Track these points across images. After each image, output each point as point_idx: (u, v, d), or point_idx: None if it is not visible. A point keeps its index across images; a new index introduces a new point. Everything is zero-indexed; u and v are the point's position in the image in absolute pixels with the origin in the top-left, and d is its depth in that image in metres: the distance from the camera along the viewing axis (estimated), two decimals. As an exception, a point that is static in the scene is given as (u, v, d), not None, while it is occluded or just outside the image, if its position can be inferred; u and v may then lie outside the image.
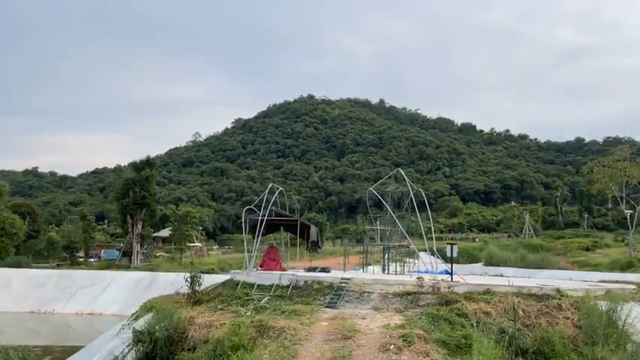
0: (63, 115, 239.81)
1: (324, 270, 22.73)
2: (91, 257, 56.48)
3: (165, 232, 70.73)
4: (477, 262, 51.07)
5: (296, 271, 22.18)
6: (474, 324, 13.97)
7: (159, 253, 64.59)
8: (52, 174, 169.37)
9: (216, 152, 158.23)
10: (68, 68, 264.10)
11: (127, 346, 15.60)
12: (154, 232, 65.72)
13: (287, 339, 13.16)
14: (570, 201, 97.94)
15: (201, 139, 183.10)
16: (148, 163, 53.74)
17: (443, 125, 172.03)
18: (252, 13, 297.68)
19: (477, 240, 71.44)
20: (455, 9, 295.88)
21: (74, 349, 21.86)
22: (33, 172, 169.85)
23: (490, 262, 46.63)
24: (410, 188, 24.44)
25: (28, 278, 45.71)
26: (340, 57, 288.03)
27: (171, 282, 45.05)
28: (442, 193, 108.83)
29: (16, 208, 56.55)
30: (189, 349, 15.09)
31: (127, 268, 50.69)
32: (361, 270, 28.17)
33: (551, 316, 15.20)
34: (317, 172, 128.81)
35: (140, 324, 17.81)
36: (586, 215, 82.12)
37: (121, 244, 62.06)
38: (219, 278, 33.37)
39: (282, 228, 26.07)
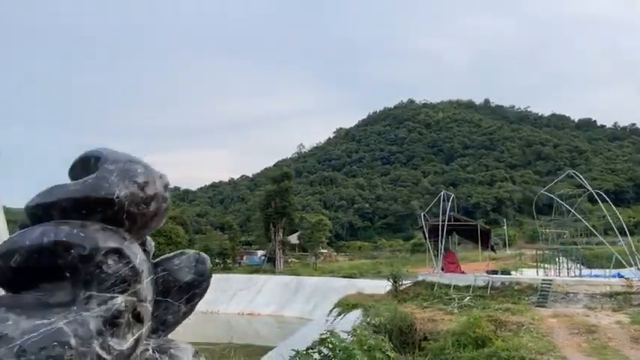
0: (176, 133, 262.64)
1: (505, 273, 23.57)
2: (236, 263, 62.13)
3: (293, 238, 75.39)
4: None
5: (478, 273, 23.29)
6: None
7: (290, 259, 68.97)
8: (176, 188, 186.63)
9: (322, 162, 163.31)
10: (176, 89, 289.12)
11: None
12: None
13: (531, 332, 14.41)
14: None
15: (306, 150, 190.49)
16: (286, 175, 58.08)
17: (558, 122, 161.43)
18: (341, 23, 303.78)
19: (619, 243, 66.55)
20: (552, 1, 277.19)
21: (265, 348, 24.60)
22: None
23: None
24: (579, 190, 24.43)
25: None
26: (434, 59, 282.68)
27: (315, 285, 48.33)
28: (570, 195, 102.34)
29: (172, 219, 64.16)
30: (421, 340, 16.92)
31: (273, 272, 55.10)
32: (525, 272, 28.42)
33: None
34: (425, 177, 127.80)
35: (351, 318, 20.10)
36: None
37: (258, 251, 67.44)
38: (370, 283, 35.43)
39: (454, 232, 27.32)
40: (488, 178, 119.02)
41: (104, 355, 2.63)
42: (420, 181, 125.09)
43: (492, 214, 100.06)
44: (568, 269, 24.77)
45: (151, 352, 3.12)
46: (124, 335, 2.78)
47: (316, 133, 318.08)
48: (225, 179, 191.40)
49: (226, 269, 57.63)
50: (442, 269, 23.92)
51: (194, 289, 3.25)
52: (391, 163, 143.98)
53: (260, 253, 68.14)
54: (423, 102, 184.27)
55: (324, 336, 10.13)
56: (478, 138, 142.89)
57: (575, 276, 23.29)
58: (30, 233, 2.70)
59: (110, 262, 2.72)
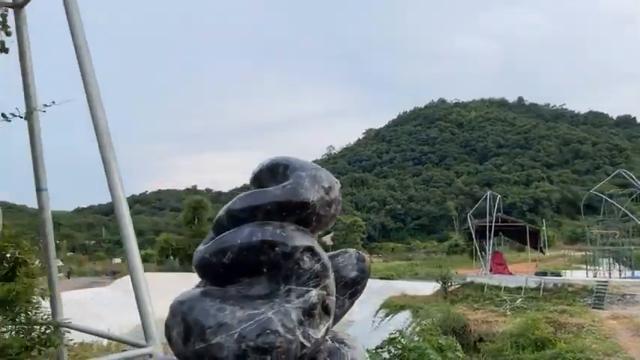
0: (206, 136, 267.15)
1: (555, 274, 23.17)
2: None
3: (327, 240, 75.60)
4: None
5: (529, 275, 22.97)
6: None
7: (325, 261, 69.11)
8: (209, 190, 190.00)
9: (352, 163, 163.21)
10: (205, 93, 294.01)
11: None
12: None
13: (593, 334, 14.20)
14: None
15: (335, 151, 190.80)
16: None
17: (595, 120, 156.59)
18: (370, 23, 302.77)
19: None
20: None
21: None
22: (193, 190, 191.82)
23: None
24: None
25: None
26: (464, 58, 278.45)
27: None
28: (621, 194, 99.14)
29: (211, 220, 65.00)
30: (476, 341, 16.87)
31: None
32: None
33: None
34: (459, 178, 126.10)
35: (400, 319, 20.14)
36: None
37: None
38: (409, 284, 35.23)
39: (500, 233, 27.04)
40: (524, 178, 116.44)
41: (306, 343, 2.93)
42: (454, 182, 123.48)
43: (529, 215, 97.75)
44: (620, 270, 24.15)
45: (329, 342, 3.43)
46: (317, 325, 3.09)
47: (346, 135, 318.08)
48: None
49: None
50: (490, 270, 23.71)
51: (357, 285, 3.54)
52: (423, 163, 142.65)
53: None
54: (454, 101, 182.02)
55: (393, 336, 10.31)
56: (512, 137, 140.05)
57: (628, 277, 22.73)
58: (239, 233, 3.04)
59: (305, 259, 3.04)
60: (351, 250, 3.97)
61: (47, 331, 4.82)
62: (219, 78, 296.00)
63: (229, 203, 3.63)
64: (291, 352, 2.88)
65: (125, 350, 6.19)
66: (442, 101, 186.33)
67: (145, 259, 67.10)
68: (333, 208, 3.36)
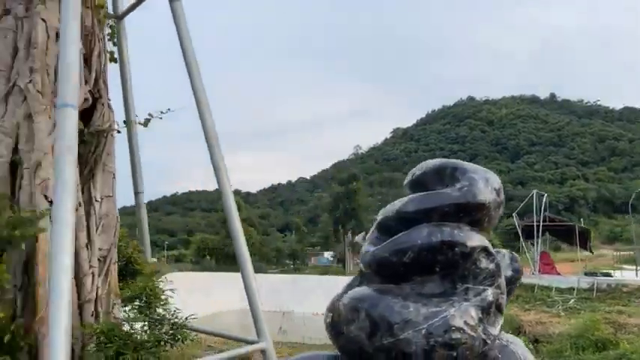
0: (233, 137, 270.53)
1: (606, 274, 22.77)
2: (304, 264, 63.40)
3: (359, 238, 75.63)
4: None
5: (578, 275, 22.64)
6: None
7: (357, 261, 69.37)
8: (238, 191, 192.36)
9: (380, 163, 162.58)
10: (233, 94, 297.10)
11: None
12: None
13: (658, 335, 13.98)
14: None
15: (363, 151, 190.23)
16: (354, 177, 58.58)
17: (631, 116, 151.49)
18: (395, 22, 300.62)
19: None
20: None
21: None
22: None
23: None
24: None
25: (270, 282, 53.28)
26: (493, 54, 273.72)
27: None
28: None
29: (243, 221, 66.06)
30: (531, 342, 16.76)
31: (342, 273, 55.70)
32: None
33: None
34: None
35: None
36: None
37: (325, 252, 68.38)
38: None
39: (546, 232, 26.71)
40: (558, 177, 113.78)
41: (487, 340, 3.15)
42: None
43: (565, 214, 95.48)
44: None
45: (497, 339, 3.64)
46: (493, 323, 3.31)
47: (372, 134, 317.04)
48: (283, 181, 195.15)
49: (297, 270, 58.91)
50: (538, 271, 23.47)
51: (512, 284, 3.75)
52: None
53: (326, 254, 69.07)
54: (483, 99, 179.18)
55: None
56: (545, 134, 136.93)
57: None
58: (417, 234, 3.25)
59: (482, 259, 3.26)
60: (504, 251, 4.20)
61: (174, 327, 5.19)
62: (245, 79, 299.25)
63: (398, 205, 3.79)
64: (474, 349, 3.10)
65: (237, 347, 6.55)
66: (471, 99, 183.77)
67: (180, 259, 68.27)
68: (501, 209, 3.59)
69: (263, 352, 5.93)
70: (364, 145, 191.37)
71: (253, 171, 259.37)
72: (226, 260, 56.84)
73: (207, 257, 59.16)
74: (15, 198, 5.26)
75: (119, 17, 7.87)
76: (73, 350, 4.99)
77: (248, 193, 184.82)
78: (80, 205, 5.71)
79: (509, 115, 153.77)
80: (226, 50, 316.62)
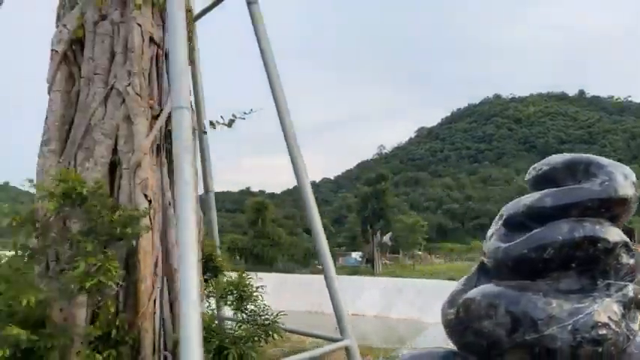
0: (256, 138, 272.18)
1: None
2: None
3: (385, 239, 75.25)
4: None
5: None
6: None
7: (384, 261, 68.98)
8: (262, 192, 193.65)
9: (405, 162, 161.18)
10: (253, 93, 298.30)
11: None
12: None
13: None
14: None
15: (386, 151, 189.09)
16: (382, 177, 58.38)
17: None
18: (418, 21, 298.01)
19: None
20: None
21: (387, 350, 24.71)
22: (247, 192, 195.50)
23: None
24: None
25: (300, 282, 53.48)
26: (519, 52, 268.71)
27: (420, 287, 47.91)
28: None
29: (273, 222, 67.27)
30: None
31: (371, 274, 55.52)
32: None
33: None
34: (519, 176, 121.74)
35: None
36: None
37: (352, 252, 68.14)
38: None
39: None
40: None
41: (630, 335, 3.12)
42: (514, 180, 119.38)
43: None
44: None
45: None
46: (632, 318, 3.28)
47: (396, 134, 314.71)
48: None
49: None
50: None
51: None
52: (479, 161, 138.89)
53: (354, 254, 68.87)
54: (510, 96, 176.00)
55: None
56: (575, 132, 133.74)
57: None
58: (557, 229, 3.24)
59: (623, 254, 3.25)
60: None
61: (267, 322, 5.33)
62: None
63: (529, 201, 3.73)
64: (618, 344, 3.09)
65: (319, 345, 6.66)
66: (497, 97, 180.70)
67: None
68: (636, 204, 3.55)
69: (347, 349, 6.02)
70: (388, 145, 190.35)
71: (275, 172, 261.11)
72: (255, 260, 57.33)
73: (237, 257, 59.86)
74: (114, 197, 5.47)
75: (193, 20, 8.10)
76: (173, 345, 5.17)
77: (272, 194, 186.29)
78: (170, 205, 5.90)
79: (538, 113, 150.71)
80: (249, 48, 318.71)
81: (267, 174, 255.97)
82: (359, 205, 58.58)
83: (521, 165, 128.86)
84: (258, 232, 57.30)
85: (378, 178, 58.20)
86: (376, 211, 55.78)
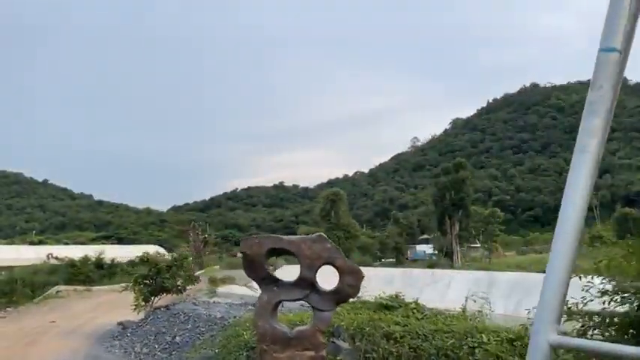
0: (293, 135, 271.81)
1: None
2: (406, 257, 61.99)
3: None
4: None
5: None
6: None
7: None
8: (295, 186, 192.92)
9: (444, 154, 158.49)
10: (287, 89, 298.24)
11: None
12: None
13: None
14: None
15: (420, 143, 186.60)
16: (461, 165, 56.58)
17: None
18: (449, 11, 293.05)
19: None
20: None
21: None
22: (280, 186, 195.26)
23: None
24: None
25: (380, 276, 52.15)
26: (554, 39, 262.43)
27: (511, 280, 46.14)
28: None
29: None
30: None
31: (450, 266, 53.85)
32: None
33: None
34: (569, 166, 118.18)
35: None
36: None
37: (418, 245, 66.67)
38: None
39: None
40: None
41: None
42: (564, 170, 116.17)
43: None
44: None
45: None
46: None
47: (428, 125, 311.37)
48: (340, 175, 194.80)
49: (399, 263, 57.61)
50: None
51: None
52: (524, 151, 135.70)
53: (419, 247, 67.43)
54: (548, 84, 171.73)
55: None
56: (625, 120, 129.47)
57: None
58: None
59: None
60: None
61: None
62: (300, 75, 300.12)
63: None
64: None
65: None
66: (535, 85, 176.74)
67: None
68: None
69: None
70: (421, 137, 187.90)
71: (308, 166, 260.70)
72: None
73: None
74: None
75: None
76: None
77: (306, 188, 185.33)
78: None
79: (582, 101, 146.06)
80: (284, 45, 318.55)
81: (300, 168, 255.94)
82: (436, 196, 56.82)
83: (568, 155, 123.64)
84: (332, 223, 56.04)
85: (456, 167, 56.39)
86: (455, 201, 54.05)
